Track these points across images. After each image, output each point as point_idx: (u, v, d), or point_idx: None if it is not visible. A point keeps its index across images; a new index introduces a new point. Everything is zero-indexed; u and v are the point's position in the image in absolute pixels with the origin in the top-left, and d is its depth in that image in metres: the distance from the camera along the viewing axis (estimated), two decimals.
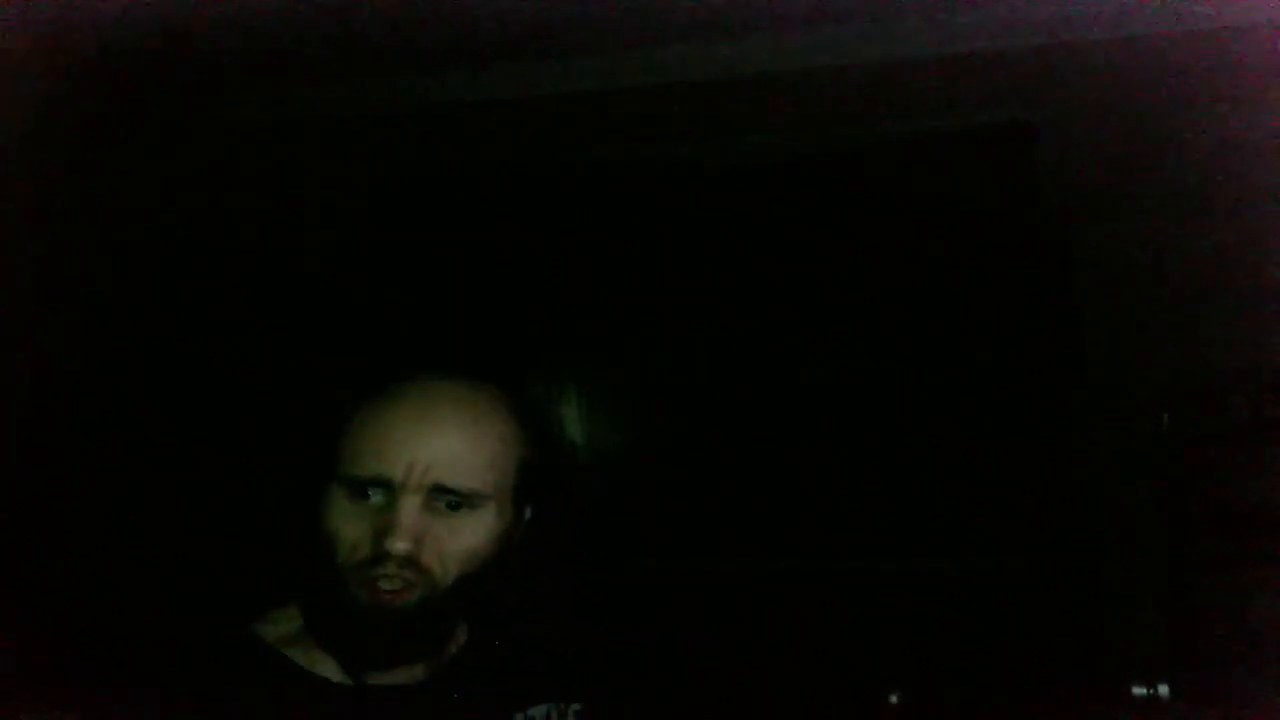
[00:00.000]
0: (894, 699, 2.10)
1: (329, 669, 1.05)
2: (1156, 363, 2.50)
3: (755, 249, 2.77)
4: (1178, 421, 2.39)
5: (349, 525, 1.03)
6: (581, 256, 2.89)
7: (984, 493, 2.56)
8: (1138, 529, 2.46)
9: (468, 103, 2.95)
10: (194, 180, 3.00)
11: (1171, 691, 1.93)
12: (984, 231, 2.59)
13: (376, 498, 1.03)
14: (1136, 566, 2.46)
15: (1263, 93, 2.47)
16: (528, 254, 2.92)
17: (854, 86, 2.73)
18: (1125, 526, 2.49)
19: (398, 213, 3.03)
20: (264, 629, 1.07)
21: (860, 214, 2.70)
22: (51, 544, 2.42)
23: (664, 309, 2.84)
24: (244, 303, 3.00)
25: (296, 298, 2.98)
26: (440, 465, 1.03)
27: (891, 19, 2.64)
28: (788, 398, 2.72)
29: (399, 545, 1.00)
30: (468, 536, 1.05)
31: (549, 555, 1.09)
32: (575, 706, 1.13)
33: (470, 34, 2.67)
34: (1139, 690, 1.94)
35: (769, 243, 2.76)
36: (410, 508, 1.02)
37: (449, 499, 1.04)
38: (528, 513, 1.13)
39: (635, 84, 2.84)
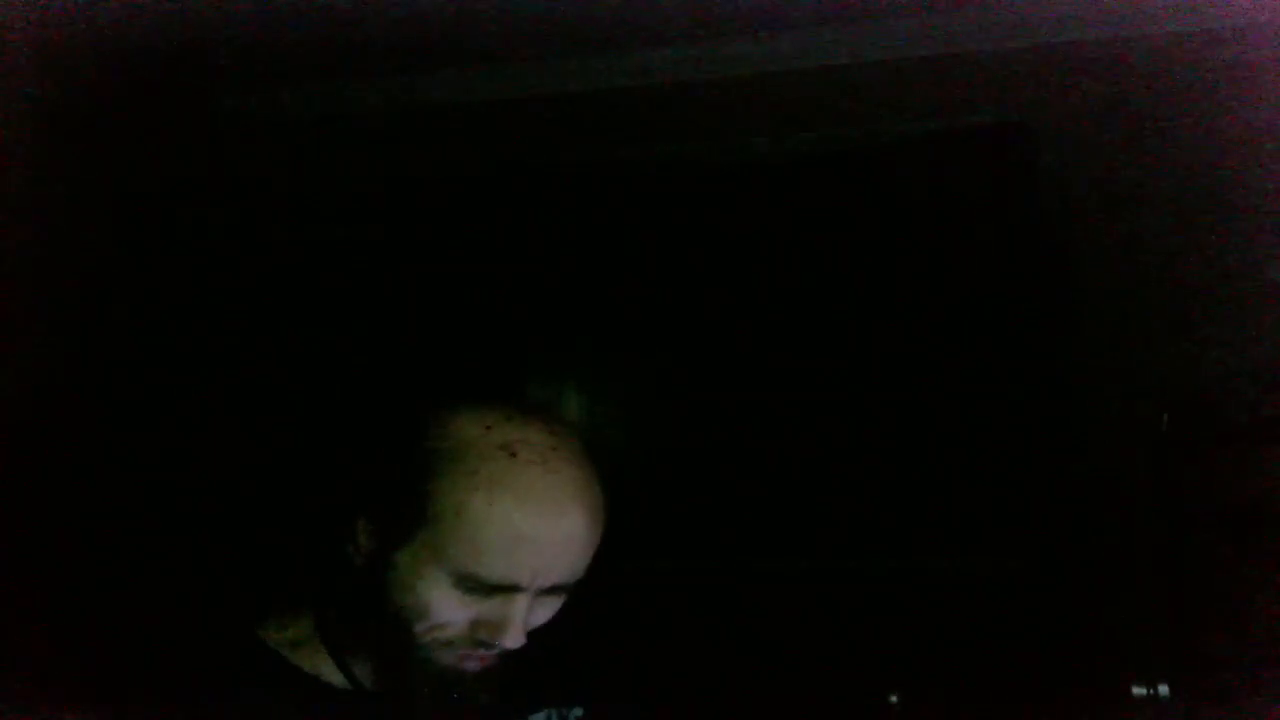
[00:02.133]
0: (894, 699, 2.11)
1: (334, 675, 1.05)
2: (1156, 363, 2.50)
3: (755, 249, 2.77)
4: (1178, 421, 2.39)
5: (451, 612, 0.98)
6: (579, 257, 2.89)
7: (983, 492, 2.56)
8: (1138, 529, 2.46)
9: (467, 103, 2.95)
10: (192, 180, 3.00)
11: (1171, 691, 1.94)
12: (984, 232, 2.59)
13: (497, 596, 0.99)
14: (1136, 566, 2.45)
15: (1263, 93, 2.47)
16: (525, 254, 2.92)
17: (853, 86, 2.73)
18: (1125, 526, 2.48)
19: (396, 213, 3.02)
20: (269, 633, 1.07)
21: (859, 214, 2.70)
22: (55, 547, 2.42)
23: (663, 309, 2.84)
24: (246, 304, 3.00)
25: (299, 299, 2.98)
26: (569, 570, 1.01)
27: (890, 19, 2.64)
28: (787, 397, 2.72)
29: (514, 643, 0.98)
30: (555, 611, 1.06)
31: None
32: (577, 711, 1.13)
33: (469, 34, 2.66)
34: (1139, 690, 1.94)
35: (769, 243, 2.76)
36: (526, 606, 0.99)
37: (560, 591, 1.03)
38: None
39: (634, 84, 2.84)
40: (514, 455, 0.97)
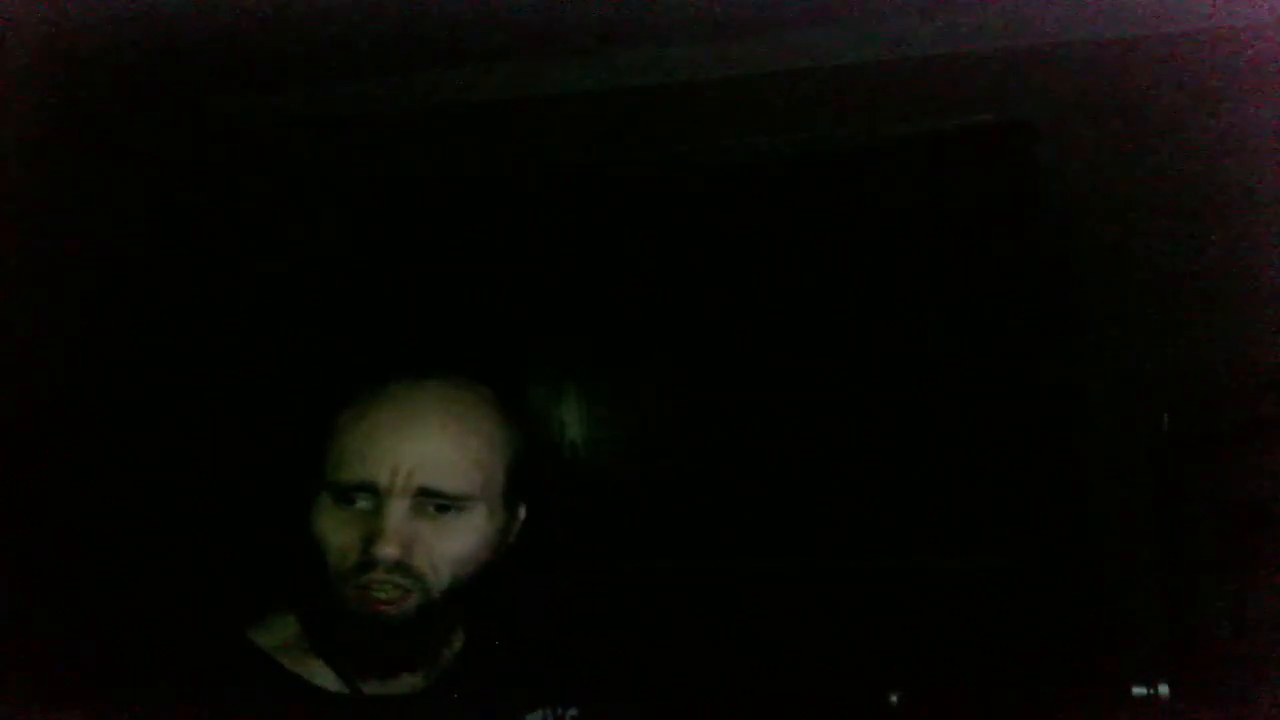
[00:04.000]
0: (894, 699, 2.11)
1: (325, 678, 1.04)
2: (1156, 363, 2.50)
3: (755, 249, 2.77)
4: (1178, 421, 2.38)
5: (337, 532, 1.02)
6: (579, 256, 2.89)
7: (984, 492, 2.56)
8: (1138, 529, 2.45)
9: (467, 103, 2.95)
10: (189, 180, 3.00)
11: (1171, 691, 1.94)
12: (984, 232, 2.59)
13: (364, 503, 1.02)
14: (1136, 566, 2.45)
15: (1263, 93, 2.46)
16: (525, 254, 2.92)
17: (854, 86, 2.73)
18: (1125, 526, 2.48)
19: (394, 213, 3.03)
20: (260, 636, 1.07)
21: (860, 214, 2.70)
22: (47, 549, 2.42)
23: (663, 309, 2.84)
24: (237, 304, 3.00)
25: (291, 298, 2.98)
26: (426, 468, 1.01)
27: (891, 19, 2.64)
28: (787, 397, 2.72)
29: (387, 551, 0.99)
30: (458, 539, 1.04)
31: (545, 556, 1.09)
32: (572, 711, 1.13)
33: (469, 34, 2.67)
34: (1139, 690, 1.94)
35: (769, 243, 2.76)
36: (397, 512, 1.01)
37: (437, 502, 1.02)
38: (521, 513, 1.12)
39: (635, 84, 2.84)
40: (392, 382, 1.06)
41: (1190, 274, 2.50)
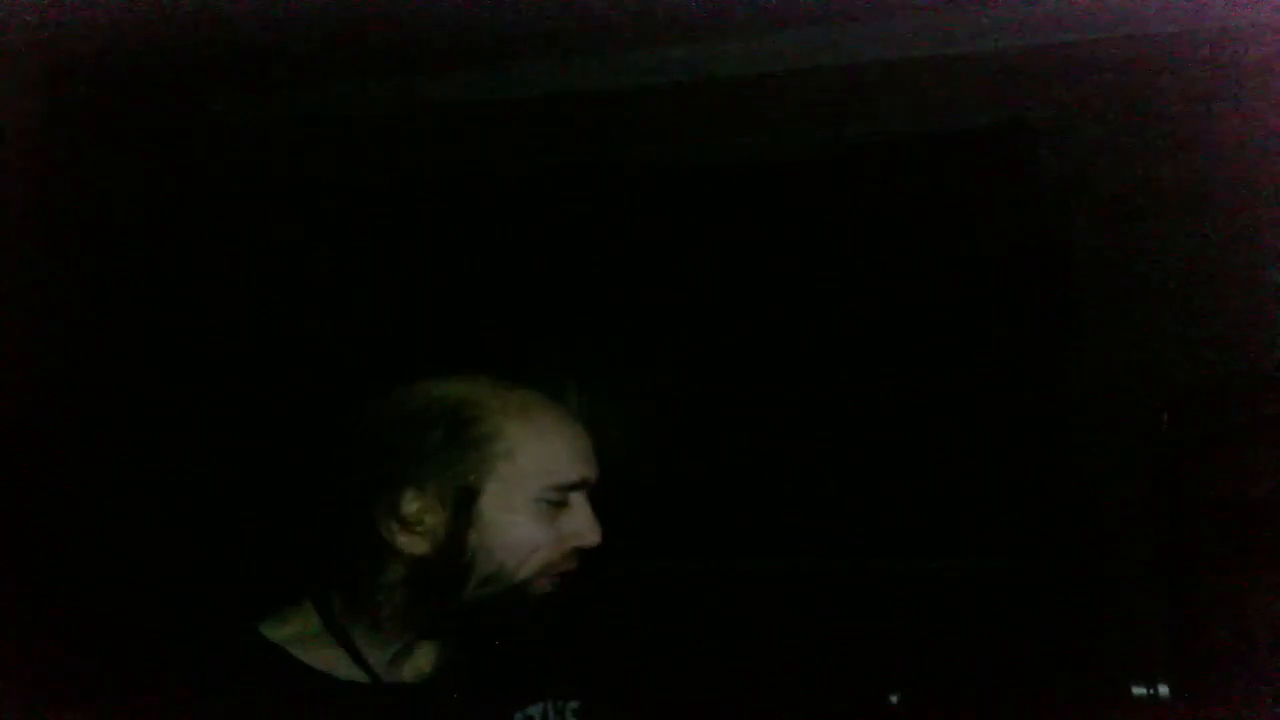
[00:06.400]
0: (894, 699, 2.10)
1: (347, 667, 1.05)
2: (1156, 363, 2.50)
3: (755, 249, 2.77)
4: (1178, 421, 2.38)
5: (545, 530, 1.07)
6: (579, 256, 2.89)
7: (984, 493, 2.56)
8: (1138, 529, 2.45)
9: (467, 103, 2.95)
10: (188, 180, 3.01)
11: (1171, 691, 1.93)
12: (984, 232, 2.59)
13: (555, 504, 1.08)
14: (1136, 566, 2.45)
15: (1263, 93, 2.47)
16: (524, 254, 2.92)
17: (854, 86, 2.73)
18: (1125, 526, 2.48)
19: (395, 213, 3.03)
20: (271, 629, 1.07)
21: (860, 214, 2.70)
22: (59, 545, 2.42)
23: (663, 309, 2.84)
24: (235, 303, 3.00)
25: (290, 298, 2.98)
26: (595, 463, 1.12)
27: (891, 19, 2.64)
28: (787, 397, 2.72)
29: (598, 537, 1.09)
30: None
31: None
32: (573, 704, 1.13)
33: (469, 34, 2.67)
34: (1139, 690, 1.93)
35: (769, 243, 2.76)
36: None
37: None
38: None
39: (635, 84, 2.84)
40: (509, 389, 1.11)
41: (1190, 274, 2.50)
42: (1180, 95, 2.53)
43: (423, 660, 1.08)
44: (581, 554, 1.09)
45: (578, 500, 1.08)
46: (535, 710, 1.10)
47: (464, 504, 1.04)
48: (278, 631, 1.06)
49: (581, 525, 1.08)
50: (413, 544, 1.04)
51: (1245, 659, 2.16)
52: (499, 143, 2.96)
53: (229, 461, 2.79)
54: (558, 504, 1.07)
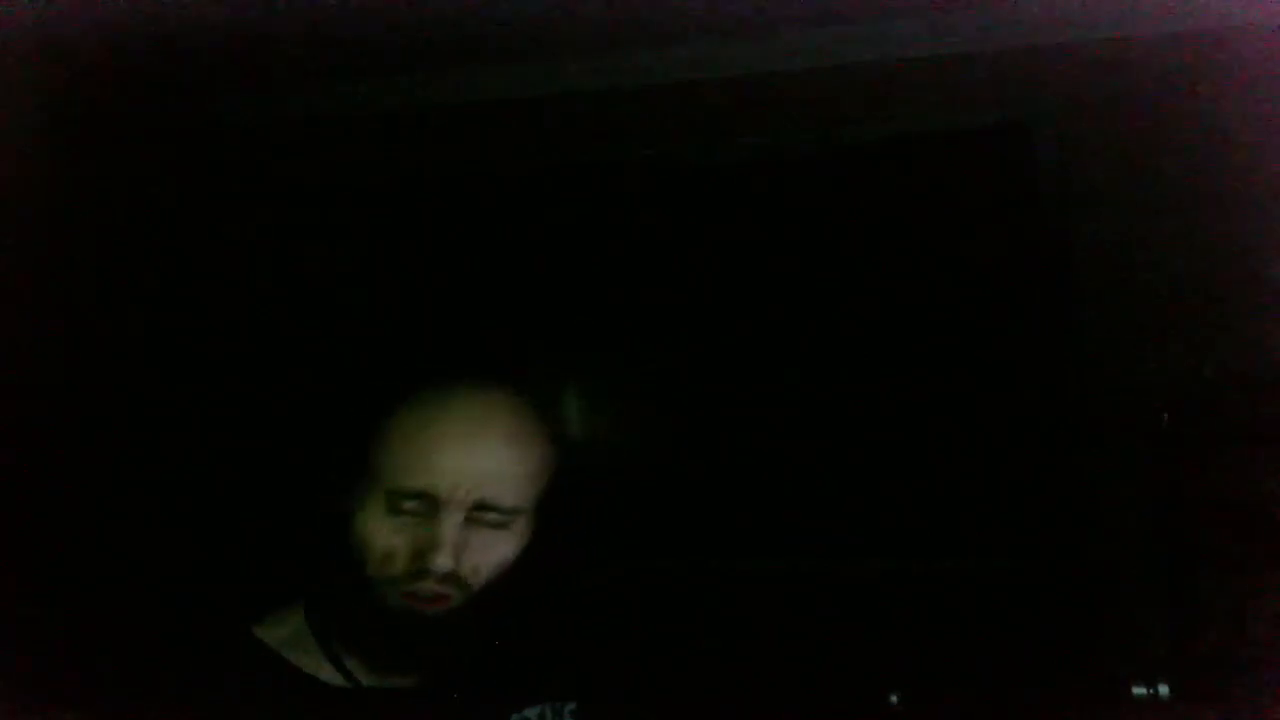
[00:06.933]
0: (894, 699, 2.10)
1: (327, 672, 1.05)
2: (1156, 363, 2.49)
3: (755, 249, 2.77)
4: (1178, 421, 2.38)
5: (385, 537, 1.02)
6: (580, 257, 2.89)
7: (984, 493, 2.56)
8: (1138, 529, 2.45)
9: (467, 103, 2.95)
10: (188, 180, 3.01)
11: (1171, 691, 1.93)
12: (983, 231, 2.59)
13: (418, 511, 1.02)
14: (1136, 566, 2.45)
15: (1263, 93, 2.46)
16: (524, 254, 2.92)
17: (853, 86, 2.73)
18: (1125, 526, 2.48)
19: (396, 214, 3.03)
20: (264, 631, 1.07)
21: (860, 214, 2.70)
22: (51, 546, 2.42)
23: (663, 309, 2.84)
24: (235, 303, 3.00)
25: (290, 298, 2.98)
26: (489, 482, 1.02)
27: (890, 19, 2.64)
28: (787, 397, 2.72)
29: (442, 562, 1.00)
30: (504, 549, 1.04)
31: (545, 554, 1.09)
32: (570, 706, 1.13)
33: (469, 34, 2.67)
34: (1139, 690, 1.94)
35: (768, 243, 2.76)
36: (453, 524, 1.01)
37: (492, 515, 1.03)
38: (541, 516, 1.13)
39: (635, 84, 2.84)
40: (449, 389, 1.06)
41: (1190, 274, 2.50)
42: (1181, 95, 2.53)
43: (407, 666, 1.06)
44: (449, 578, 1.01)
45: (449, 517, 1.01)
46: (532, 712, 1.10)
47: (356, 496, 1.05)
48: (272, 634, 1.06)
49: (431, 541, 1.00)
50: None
51: (1245, 659, 2.16)
52: (499, 143, 2.96)
53: (228, 462, 2.79)
54: (413, 513, 1.01)
